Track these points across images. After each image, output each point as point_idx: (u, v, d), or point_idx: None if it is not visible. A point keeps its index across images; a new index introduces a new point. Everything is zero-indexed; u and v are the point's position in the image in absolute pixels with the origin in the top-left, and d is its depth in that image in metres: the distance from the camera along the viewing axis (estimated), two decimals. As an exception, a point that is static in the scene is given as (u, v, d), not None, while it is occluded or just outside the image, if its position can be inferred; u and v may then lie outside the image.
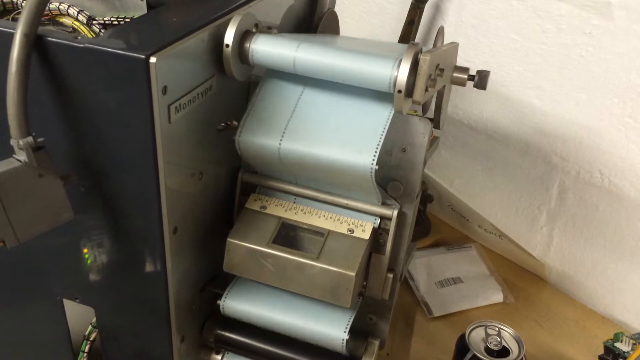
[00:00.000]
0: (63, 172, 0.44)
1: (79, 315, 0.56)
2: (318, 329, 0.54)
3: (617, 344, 0.69)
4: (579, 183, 0.79)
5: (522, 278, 0.85)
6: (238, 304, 0.55)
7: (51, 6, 0.50)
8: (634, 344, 0.69)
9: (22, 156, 0.41)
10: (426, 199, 0.89)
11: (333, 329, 0.53)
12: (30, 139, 0.41)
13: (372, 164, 0.47)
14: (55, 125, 0.45)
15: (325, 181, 0.52)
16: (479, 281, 0.83)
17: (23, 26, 0.41)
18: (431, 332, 0.76)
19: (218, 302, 0.55)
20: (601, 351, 0.70)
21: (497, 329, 0.63)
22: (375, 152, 0.48)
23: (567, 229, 0.82)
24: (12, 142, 0.41)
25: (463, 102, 0.87)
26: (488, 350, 0.61)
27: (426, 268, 0.84)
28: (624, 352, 0.68)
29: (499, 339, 0.62)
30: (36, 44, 0.42)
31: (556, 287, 0.85)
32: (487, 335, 0.62)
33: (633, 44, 0.69)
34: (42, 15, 0.42)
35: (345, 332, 0.53)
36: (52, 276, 0.55)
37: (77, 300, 0.54)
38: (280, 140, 0.49)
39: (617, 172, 0.75)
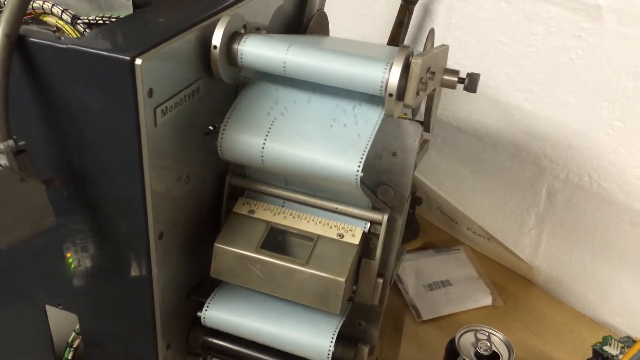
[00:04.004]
0: (45, 176, 0.43)
1: (61, 322, 0.55)
2: (302, 341, 0.52)
3: (606, 348, 0.69)
4: (568, 186, 0.79)
5: (510, 281, 0.85)
6: (219, 316, 0.53)
7: (35, 5, 0.49)
8: (623, 348, 0.69)
9: (2, 160, 0.40)
10: (415, 201, 0.89)
11: (318, 339, 0.52)
12: (11, 142, 0.40)
13: (358, 171, 0.46)
14: (38, 128, 0.44)
15: (311, 186, 0.52)
16: (468, 284, 0.83)
17: (4, 26, 0.40)
18: (420, 336, 0.75)
19: (199, 313, 0.54)
20: (590, 354, 0.70)
21: (486, 333, 0.63)
22: (361, 159, 0.46)
23: (556, 231, 0.82)
24: (-7, 145, 0.40)
25: (452, 104, 0.87)
26: (478, 355, 0.61)
27: (415, 271, 0.84)
28: (613, 355, 0.69)
29: (488, 344, 0.61)
30: (18, 44, 0.41)
31: (545, 290, 0.85)
32: (477, 339, 0.62)
33: (623, 47, 0.69)
34: (24, 15, 0.41)
35: (331, 343, 0.52)
36: (34, 281, 0.53)
37: (60, 307, 0.53)
38: (265, 140, 0.48)
39: (606, 176, 0.75)
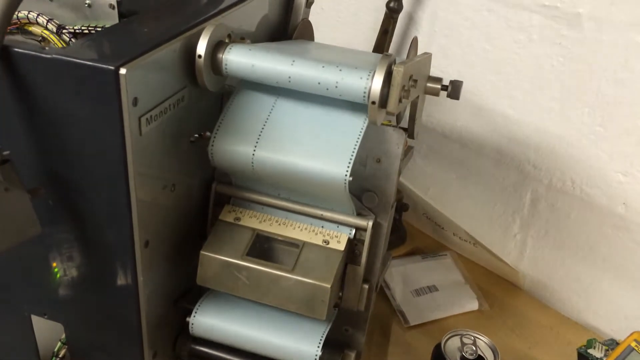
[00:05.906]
0: (30, 185, 0.43)
1: (47, 332, 0.55)
2: (289, 346, 0.53)
3: (590, 351, 0.70)
4: (551, 191, 0.80)
5: (496, 285, 0.86)
6: (207, 322, 0.54)
7: (20, 14, 0.49)
8: (607, 350, 0.70)
9: (-13, 170, 0.40)
10: (401, 207, 0.89)
11: (305, 345, 0.52)
12: (-5, 152, 0.40)
13: (346, 175, 0.47)
14: (22, 138, 0.44)
15: (299, 191, 0.52)
16: (455, 289, 0.84)
17: (-13, 37, 0.40)
18: (407, 341, 0.76)
19: (187, 319, 0.54)
20: (575, 358, 0.71)
21: (472, 337, 0.63)
22: (349, 162, 0.47)
23: (540, 236, 0.83)
24: (-23, 155, 0.40)
25: (437, 111, 0.88)
26: (464, 360, 0.61)
27: (402, 277, 0.84)
28: (597, 358, 0.69)
29: (474, 348, 0.62)
30: (2, 54, 0.41)
31: (530, 294, 0.86)
32: (463, 344, 0.62)
33: (602, 54, 0.70)
34: (8, 25, 0.41)
35: (318, 348, 0.52)
36: (19, 291, 0.53)
37: (46, 316, 0.53)
38: (254, 148, 0.49)
39: (589, 181, 0.76)
